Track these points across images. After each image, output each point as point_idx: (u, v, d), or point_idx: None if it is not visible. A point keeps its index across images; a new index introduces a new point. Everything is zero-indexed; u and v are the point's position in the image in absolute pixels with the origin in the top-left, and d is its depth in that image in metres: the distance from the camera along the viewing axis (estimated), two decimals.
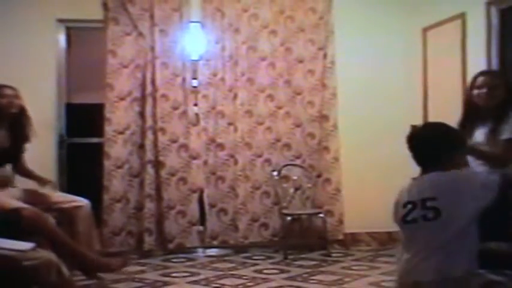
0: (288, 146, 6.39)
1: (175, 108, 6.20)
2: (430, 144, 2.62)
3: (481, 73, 4.03)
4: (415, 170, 2.84)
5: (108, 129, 6.11)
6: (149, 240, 6.10)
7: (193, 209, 6.24)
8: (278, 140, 6.38)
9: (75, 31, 6.49)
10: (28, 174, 5.01)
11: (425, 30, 6.28)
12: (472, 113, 3.90)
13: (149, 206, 6.10)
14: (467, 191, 2.48)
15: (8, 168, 4.88)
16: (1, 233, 3.76)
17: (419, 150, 2.62)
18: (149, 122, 6.13)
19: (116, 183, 6.11)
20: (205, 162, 6.26)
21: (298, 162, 6.40)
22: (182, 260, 5.96)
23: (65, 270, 3.57)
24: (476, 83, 3.90)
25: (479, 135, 3.83)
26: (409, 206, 2.57)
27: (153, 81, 6.15)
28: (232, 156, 6.27)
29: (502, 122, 3.74)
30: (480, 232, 3.55)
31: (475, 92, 3.89)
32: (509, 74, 5.10)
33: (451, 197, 2.49)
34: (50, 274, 3.47)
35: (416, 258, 2.55)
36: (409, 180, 2.70)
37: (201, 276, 5.29)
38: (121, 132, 6.14)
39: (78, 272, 4.67)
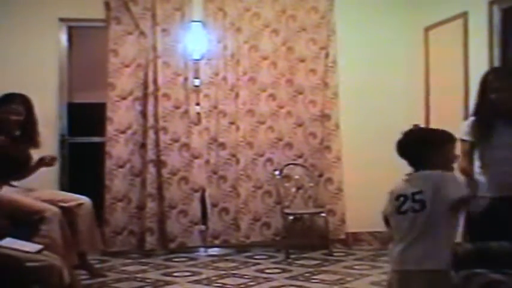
0: (289, 145, 6.39)
1: (177, 108, 6.20)
2: (409, 148, 2.95)
3: (497, 75, 3.88)
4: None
5: (110, 129, 6.11)
6: (151, 240, 6.10)
7: (195, 208, 6.24)
8: (280, 140, 6.38)
9: (77, 30, 6.49)
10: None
11: (427, 29, 6.27)
12: (490, 113, 3.77)
13: (151, 205, 6.10)
14: (443, 190, 2.77)
15: None
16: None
17: (404, 155, 2.95)
18: (151, 121, 6.13)
19: (117, 183, 6.11)
20: (207, 162, 6.26)
21: (300, 161, 6.39)
22: (184, 259, 5.96)
23: (66, 276, 3.62)
24: (493, 85, 3.76)
25: (507, 134, 3.71)
26: (402, 198, 2.84)
27: (154, 81, 6.15)
28: (234, 155, 6.27)
29: None
30: (481, 232, 3.57)
31: (493, 96, 3.74)
32: None
33: (433, 192, 2.77)
34: (51, 278, 3.52)
35: (404, 247, 2.81)
36: (404, 176, 2.98)
37: (203, 276, 5.29)
38: (123, 132, 6.15)
39: (82, 271, 4.70)
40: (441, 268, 2.77)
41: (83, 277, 4.86)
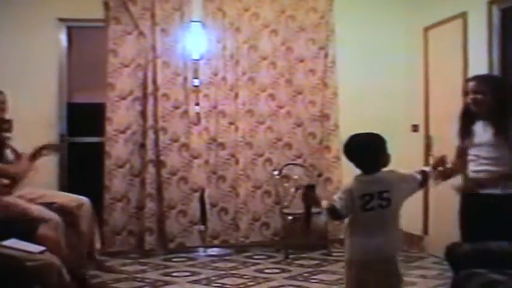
0: (289, 145, 6.39)
1: (177, 108, 6.20)
2: (357, 154, 3.21)
3: (471, 78, 4.06)
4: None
5: (109, 129, 6.11)
6: (150, 240, 6.10)
7: (194, 208, 6.24)
8: (279, 140, 6.38)
9: (76, 30, 6.49)
10: None
11: (426, 29, 6.27)
12: (467, 116, 3.94)
13: (150, 205, 6.10)
14: (402, 185, 3.18)
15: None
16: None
17: (359, 157, 3.20)
18: (150, 121, 6.14)
19: (116, 183, 6.11)
20: (206, 162, 6.26)
21: (299, 161, 6.39)
22: (183, 259, 5.96)
23: (65, 274, 3.66)
24: (467, 88, 3.93)
25: (482, 135, 3.83)
26: (367, 197, 3.12)
27: (154, 81, 6.15)
28: (233, 155, 6.27)
29: (503, 126, 3.73)
30: (480, 231, 3.58)
31: (468, 97, 3.90)
32: (510, 73, 5.10)
33: (396, 189, 3.12)
34: (51, 276, 3.56)
35: (368, 239, 3.13)
36: (356, 178, 3.23)
37: (202, 276, 5.30)
38: (122, 132, 6.15)
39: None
40: (394, 254, 3.15)
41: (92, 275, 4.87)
